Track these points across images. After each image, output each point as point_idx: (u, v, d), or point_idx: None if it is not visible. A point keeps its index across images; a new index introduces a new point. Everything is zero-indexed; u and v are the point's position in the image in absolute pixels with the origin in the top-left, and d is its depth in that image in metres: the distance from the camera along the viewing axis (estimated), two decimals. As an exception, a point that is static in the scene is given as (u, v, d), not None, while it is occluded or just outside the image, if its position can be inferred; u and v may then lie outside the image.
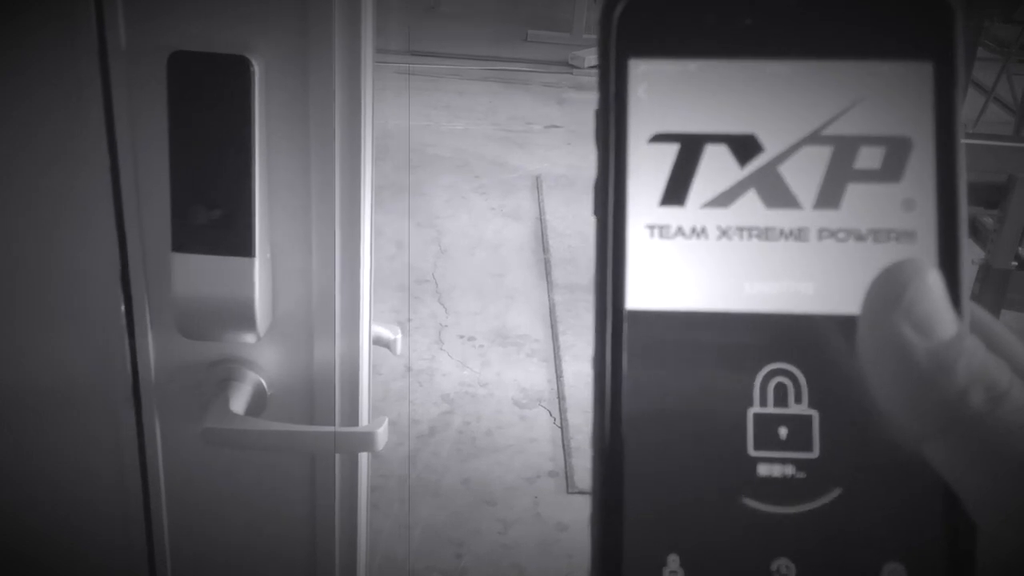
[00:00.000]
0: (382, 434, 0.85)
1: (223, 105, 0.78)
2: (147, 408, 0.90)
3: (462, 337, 3.21)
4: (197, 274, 0.82)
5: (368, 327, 0.90)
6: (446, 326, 3.26)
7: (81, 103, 0.79)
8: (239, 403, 0.86)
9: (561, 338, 3.19)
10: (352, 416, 0.91)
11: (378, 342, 0.98)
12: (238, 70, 0.77)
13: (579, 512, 2.51)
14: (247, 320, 0.84)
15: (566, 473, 2.64)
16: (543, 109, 5.16)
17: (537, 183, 4.27)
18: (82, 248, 0.83)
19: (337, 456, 0.92)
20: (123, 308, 0.85)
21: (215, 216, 0.80)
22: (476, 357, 3.11)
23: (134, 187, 0.81)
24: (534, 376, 3.02)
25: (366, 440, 0.84)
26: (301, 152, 0.81)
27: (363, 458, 0.93)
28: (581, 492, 2.57)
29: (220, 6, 0.77)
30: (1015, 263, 2.76)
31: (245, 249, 0.81)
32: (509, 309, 3.37)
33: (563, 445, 2.74)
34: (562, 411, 2.87)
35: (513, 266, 3.64)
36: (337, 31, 0.78)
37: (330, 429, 0.86)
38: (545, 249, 3.73)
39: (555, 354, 3.12)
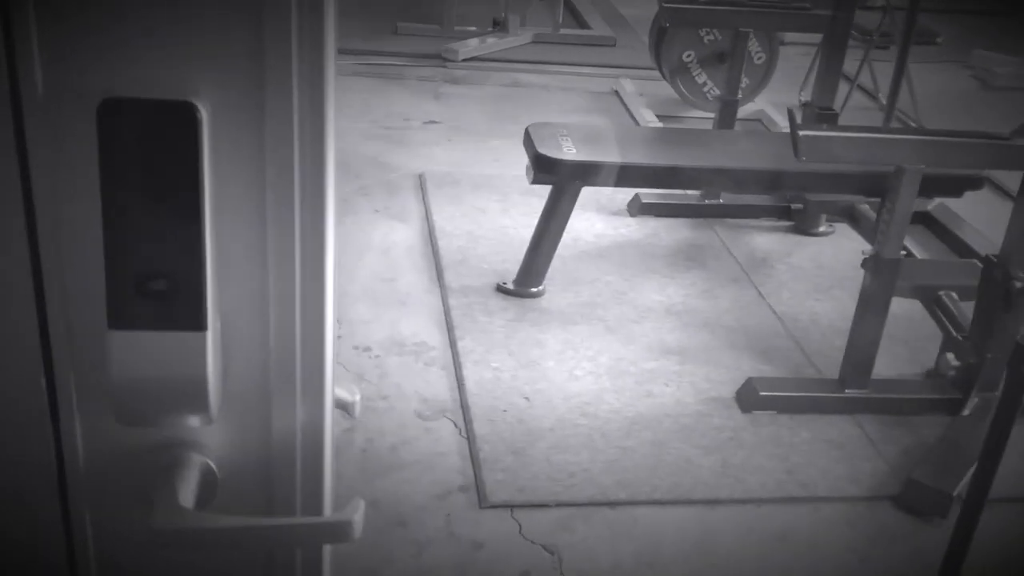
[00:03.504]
0: (359, 522, 0.75)
1: (166, 159, 0.67)
2: (75, 503, 0.77)
3: (357, 348, 3.09)
4: (139, 353, 0.70)
5: (331, 393, 0.80)
6: (339, 336, 3.13)
7: (-12, 158, 0.66)
8: (187, 493, 0.75)
9: (459, 344, 3.11)
10: (315, 497, 0.81)
11: (337, 406, 0.88)
12: (182, 118, 0.66)
13: (494, 528, 2.44)
14: (199, 402, 0.73)
15: (477, 487, 2.56)
16: (420, 104, 5.04)
17: (420, 182, 4.16)
18: (-5, 328, 0.71)
19: (299, 541, 0.82)
20: (45, 393, 0.72)
21: (159, 287, 0.69)
22: (373, 368, 3.00)
23: (56, 256, 0.68)
24: (435, 386, 2.93)
25: (342, 530, 0.75)
26: (256, 205, 0.71)
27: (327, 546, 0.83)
28: (494, 506, 2.50)
29: (157, 44, 0.65)
30: (903, 252, 2.84)
31: (195, 323, 0.70)
32: (403, 316, 3.27)
33: (472, 457, 2.66)
34: (467, 421, 2.79)
35: (404, 270, 3.53)
36: (296, 68, 0.68)
37: (300, 521, 0.76)
38: (435, 252, 3.63)
39: (455, 361, 3.03)
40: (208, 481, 0.78)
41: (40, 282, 0.69)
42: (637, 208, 3.98)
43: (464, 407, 2.85)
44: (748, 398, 2.93)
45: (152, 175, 0.67)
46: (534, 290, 3.39)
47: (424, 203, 4.00)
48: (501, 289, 3.40)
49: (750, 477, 2.66)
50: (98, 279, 0.68)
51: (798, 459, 2.74)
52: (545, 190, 3.33)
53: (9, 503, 0.77)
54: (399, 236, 3.75)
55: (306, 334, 0.75)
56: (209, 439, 0.78)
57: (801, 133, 2.63)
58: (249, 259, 0.72)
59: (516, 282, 3.40)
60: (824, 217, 3.99)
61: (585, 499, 2.55)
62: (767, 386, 2.94)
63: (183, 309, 0.70)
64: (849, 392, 2.92)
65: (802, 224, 4.00)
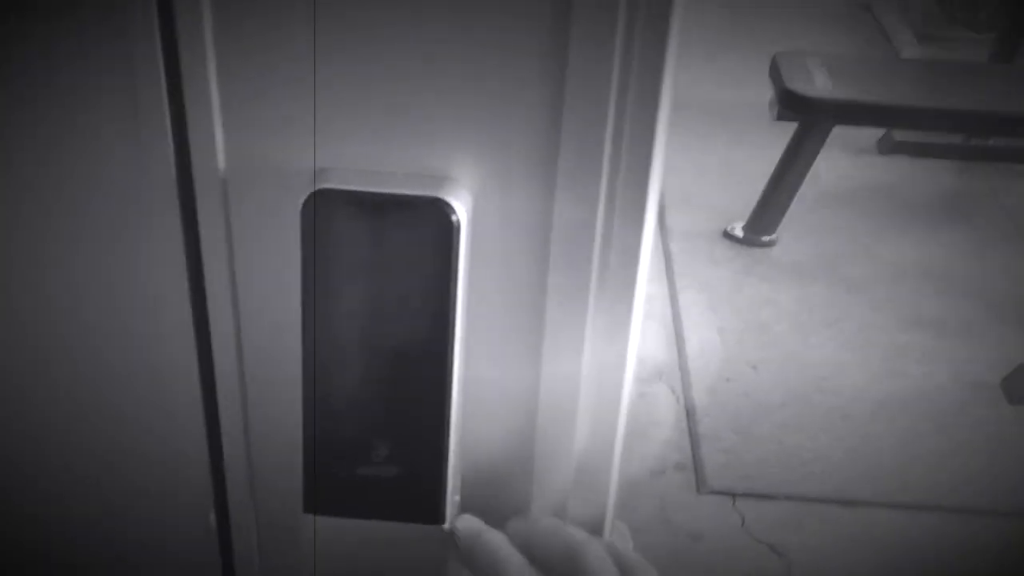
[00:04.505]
0: None
1: (402, 282, 0.42)
2: None
3: (569, 293, 2.86)
4: (345, 545, 0.48)
5: None
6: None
7: (151, 261, 0.44)
8: None
9: (680, 297, 2.83)
10: None
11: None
12: (429, 222, 0.41)
13: (714, 518, 2.20)
14: (428, 610, 0.50)
15: (695, 467, 2.31)
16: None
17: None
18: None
19: None
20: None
21: (379, 466, 0.46)
22: (586, 319, 2.77)
23: (235, 410, 0.46)
24: (651, 343, 2.68)
25: None
26: (527, 349, 0.46)
27: None
28: (714, 492, 2.25)
29: (391, 115, 0.40)
30: None
31: (430, 514, 0.47)
32: (620, 260, 3.00)
33: (690, 432, 2.41)
34: (686, 388, 2.53)
35: (622, 207, 3.25)
36: (609, 139, 0.41)
37: None
38: (657, 187, 3.33)
39: (674, 317, 2.76)
40: None
41: (217, 441, 0.47)
42: (889, 146, 3.51)
43: (683, 371, 2.59)
44: (1019, 387, 2.51)
45: (379, 305, 0.43)
46: (766, 239, 3.04)
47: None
48: (729, 235, 3.07)
49: (1020, 484, 2.28)
50: (292, 446, 0.45)
51: (1079, 468, 2.33)
52: (787, 127, 2.95)
53: None
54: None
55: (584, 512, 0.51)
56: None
57: None
58: (505, 410, 0.48)
59: (746, 228, 3.06)
60: (1117, 166, 3.40)
61: (821, 494, 2.26)
62: (1044, 375, 2.51)
63: (413, 495, 0.46)
64: None
65: (1089, 173, 3.42)
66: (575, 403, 0.46)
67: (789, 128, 2.94)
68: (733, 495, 2.25)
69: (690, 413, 2.46)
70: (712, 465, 2.32)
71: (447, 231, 0.41)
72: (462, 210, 0.41)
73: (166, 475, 0.48)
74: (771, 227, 3.04)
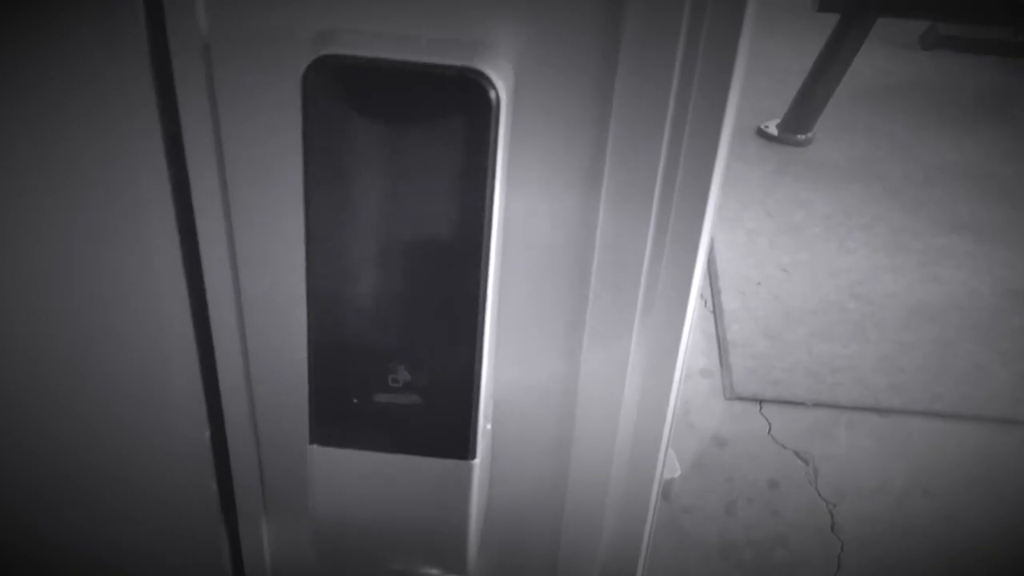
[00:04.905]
0: None
1: (426, 171, 0.35)
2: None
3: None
4: (356, 481, 0.41)
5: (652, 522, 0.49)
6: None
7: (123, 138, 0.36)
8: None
9: (710, 196, 2.73)
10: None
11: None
12: (460, 98, 0.33)
13: (740, 424, 2.15)
14: (450, 554, 0.43)
15: (723, 373, 2.25)
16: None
17: None
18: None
19: None
20: (222, 520, 0.45)
21: (398, 392, 0.39)
22: (611, 218, 2.69)
23: (228, 328, 0.39)
24: (680, 245, 2.59)
25: None
26: (575, 258, 0.38)
27: None
28: (741, 398, 2.19)
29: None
30: None
31: (456, 448, 0.40)
32: (647, 157, 2.90)
33: (718, 337, 2.34)
34: (715, 292, 2.45)
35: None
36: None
37: None
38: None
39: (704, 217, 2.67)
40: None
41: (210, 359, 0.40)
42: (932, 40, 3.35)
43: (712, 273, 2.51)
44: (1059, 295, 2.43)
45: (398, 200, 0.35)
46: (801, 137, 2.92)
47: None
48: (762, 133, 2.95)
49: (1056, 395, 2.22)
50: (297, 367, 0.38)
51: (1119, 379, 2.26)
52: (826, 18, 2.81)
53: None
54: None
55: (634, 458, 0.44)
56: None
57: None
58: (546, 336, 0.40)
59: (781, 126, 2.94)
60: None
61: (850, 402, 2.20)
62: (1087, 283, 2.42)
63: (438, 425, 0.39)
64: None
65: None
66: (626, 355, 0.39)
67: (829, 20, 2.79)
68: (760, 401, 2.20)
69: (718, 317, 2.40)
70: (740, 371, 2.26)
71: (483, 110, 0.33)
72: (502, 85, 0.33)
73: (153, 391, 0.41)
74: (807, 125, 2.92)
